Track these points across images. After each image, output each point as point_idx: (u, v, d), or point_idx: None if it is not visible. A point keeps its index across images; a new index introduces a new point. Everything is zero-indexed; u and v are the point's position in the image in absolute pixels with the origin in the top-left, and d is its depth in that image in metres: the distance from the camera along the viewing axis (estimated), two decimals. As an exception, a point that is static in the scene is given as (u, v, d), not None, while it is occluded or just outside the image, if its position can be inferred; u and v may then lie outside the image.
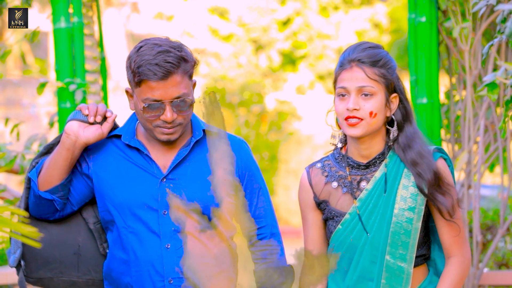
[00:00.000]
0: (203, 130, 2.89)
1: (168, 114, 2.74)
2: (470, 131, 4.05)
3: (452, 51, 4.16)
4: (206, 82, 14.04)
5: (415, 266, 2.78)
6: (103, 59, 4.56)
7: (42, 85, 4.20)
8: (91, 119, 2.83)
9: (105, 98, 4.53)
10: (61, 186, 2.85)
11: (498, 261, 4.64)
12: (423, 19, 3.99)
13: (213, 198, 2.80)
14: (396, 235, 2.73)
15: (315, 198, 2.86)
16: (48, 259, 2.93)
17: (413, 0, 4.02)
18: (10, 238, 2.96)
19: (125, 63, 2.81)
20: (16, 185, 8.43)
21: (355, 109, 2.71)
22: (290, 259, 2.83)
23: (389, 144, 2.78)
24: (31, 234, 1.94)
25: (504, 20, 3.02)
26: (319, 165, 2.88)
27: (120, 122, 2.97)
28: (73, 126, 2.82)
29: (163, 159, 2.86)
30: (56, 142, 2.95)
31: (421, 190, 2.73)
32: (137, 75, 2.73)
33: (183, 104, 2.76)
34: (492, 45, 3.10)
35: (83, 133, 2.82)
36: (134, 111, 2.86)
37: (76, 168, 2.91)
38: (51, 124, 4.36)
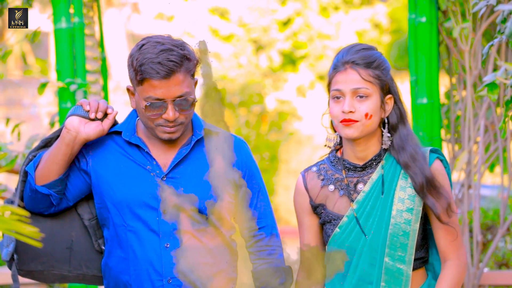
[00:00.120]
0: (204, 129, 2.88)
1: (170, 113, 2.73)
2: (470, 131, 4.05)
3: (452, 51, 4.17)
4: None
5: (413, 269, 2.74)
6: (103, 59, 4.56)
7: (43, 85, 4.20)
8: (92, 115, 2.80)
9: (105, 98, 4.54)
10: (58, 181, 2.81)
11: (498, 261, 4.65)
12: (423, 19, 3.99)
13: (213, 197, 2.79)
14: (395, 237, 2.70)
15: (311, 202, 2.82)
16: (39, 252, 2.88)
17: (413, 1, 4.03)
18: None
19: (126, 61, 2.78)
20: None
21: (351, 112, 2.68)
22: (294, 256, 2.83)
23: (383, 147, 2.76)
24: (33, 234, 1.93)
25: (504, 20, 3.02)
26: (314, 169, 2.84)
27: (120, 120, 2.96)
28: (73, 122, 2.79)
29: (164, 157, 2.84)
30: (55, 136, 2.90)
31: (417, 192, 2.71)
32: (140, 74, 2.71)
33: (185, 103, 2.74)
34: (492, 45, 3.10)
35: (83, 129, 2.79)
36: (135, 108, 2.84)
37: (74, 163, 2.87)
38: (52, 124, 4.36)
